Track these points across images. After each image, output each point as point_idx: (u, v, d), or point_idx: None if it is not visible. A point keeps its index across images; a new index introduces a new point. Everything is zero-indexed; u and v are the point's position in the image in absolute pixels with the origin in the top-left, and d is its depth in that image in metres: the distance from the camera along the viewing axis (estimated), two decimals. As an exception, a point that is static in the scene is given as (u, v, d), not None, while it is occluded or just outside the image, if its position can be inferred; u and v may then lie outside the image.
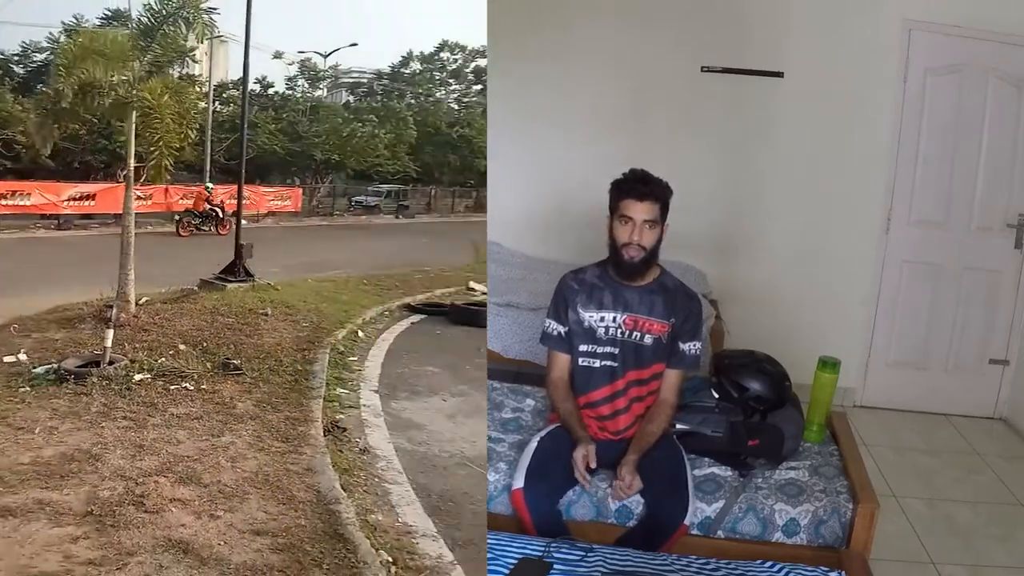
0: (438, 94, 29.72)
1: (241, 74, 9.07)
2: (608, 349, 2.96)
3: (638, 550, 2.56)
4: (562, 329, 3.02)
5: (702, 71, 5.01)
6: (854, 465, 3.07)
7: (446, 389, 5.20)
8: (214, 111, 20.07)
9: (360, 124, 23.14)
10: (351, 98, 29.86)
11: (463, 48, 30.05)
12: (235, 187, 16.06)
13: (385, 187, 24.62)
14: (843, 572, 2.45)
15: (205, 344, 5.46)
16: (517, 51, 5.03)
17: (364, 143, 22.99)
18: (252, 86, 22.98)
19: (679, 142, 5.02)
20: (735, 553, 2.64)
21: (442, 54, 29.87)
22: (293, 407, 4.36)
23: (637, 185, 2.84)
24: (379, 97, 27.98)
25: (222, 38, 19.38)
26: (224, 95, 21.79)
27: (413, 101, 27.80)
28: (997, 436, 4.97)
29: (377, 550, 2.87)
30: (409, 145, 25.04)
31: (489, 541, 2.46)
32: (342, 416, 4.44)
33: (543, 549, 2.43)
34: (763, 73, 4.96)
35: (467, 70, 30.48)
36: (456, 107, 29.59)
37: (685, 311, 2.98)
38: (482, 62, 30.59)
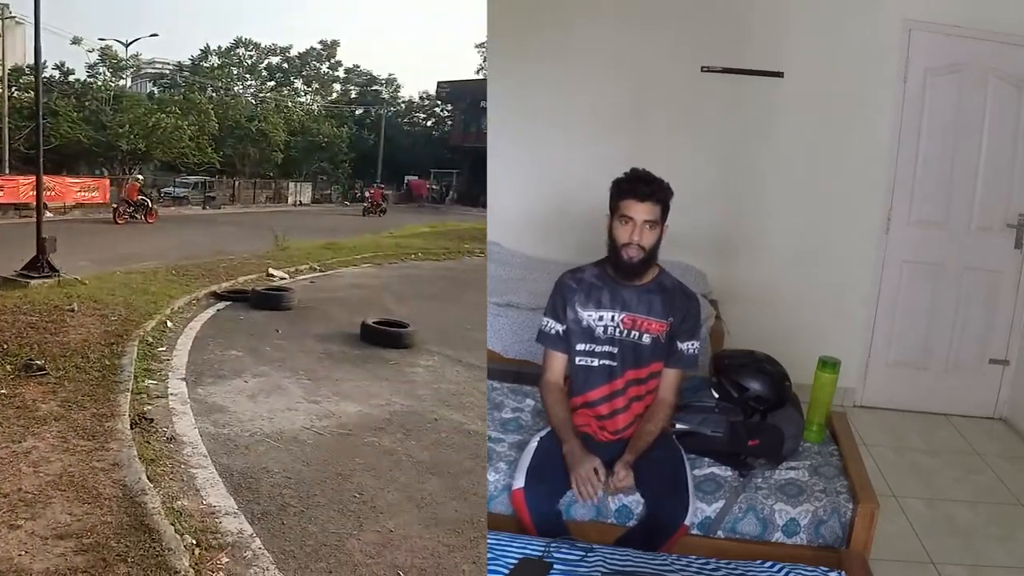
0: (236, 88, 30.17)
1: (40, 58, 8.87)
2: (606, 348, 2.95)
3: (638, 550, 2.56)
4: (560, 328, 3.01)
5: (702, 71, 5.01)
6: (854, 465, 3.07)
7: (248, 371, 5.25)
8: (11, 97, 19.49)
9: (164, 115, 23.11)
10: (155, 89, 30.04)
11: (257, 45, 30.88)
12: (53, 177, 15.59)
13: (192, 178, 24.87)
14: (843, 572, 2.45)
15: (6, 346, 5.21)
16: (517, 51, 5.03)
17: (169, 134, 23.08)
18: (51, 72, 22.63)
19: (679, 142, 5.02)
20: (735, 553, 2.65)
21: (238, 50, 30.41)
22: (100, 403, 4.24)
23: (639, 185, 2.83)
24: (182, 89, 28.14)
25: (16, 19, 18.83)
26: (21, 80, 21.02)
27: (214, 94, 28.06)
28: (997, 436, 4.97)
29: (182, 535, 2.87)
30: (212, 137, 25.27)
31: (489, 541, 2.46)
32: (150, 407, 4.38)
33: (543, 549, 2.43)
34: (763, 73, 4.97)
35: (261, 66, 31.32)
36: (254, 102, 30.05)
37: (683, 310, 2.98)
38: (274, 59, 31.87)
